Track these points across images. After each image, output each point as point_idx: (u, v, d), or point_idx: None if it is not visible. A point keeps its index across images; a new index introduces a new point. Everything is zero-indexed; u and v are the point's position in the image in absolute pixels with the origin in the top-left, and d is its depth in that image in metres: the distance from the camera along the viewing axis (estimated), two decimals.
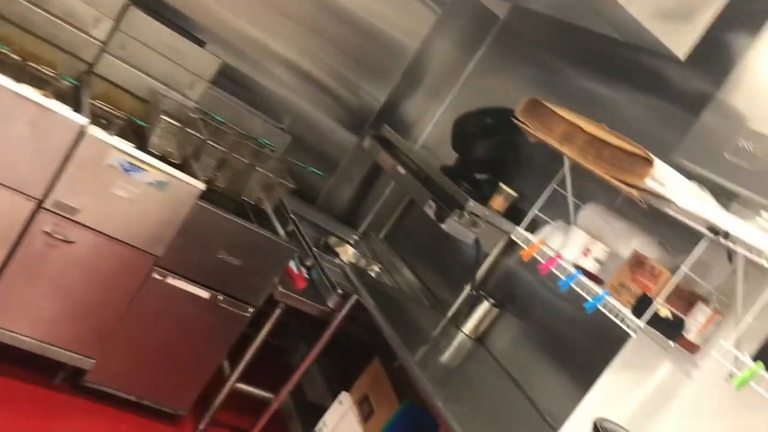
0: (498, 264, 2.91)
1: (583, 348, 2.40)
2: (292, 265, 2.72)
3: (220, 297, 2.51)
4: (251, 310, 2.57)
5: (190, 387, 2.61)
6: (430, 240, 3.37)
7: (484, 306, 2.77)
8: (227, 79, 3.10)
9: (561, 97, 2.84)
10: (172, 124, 2.45)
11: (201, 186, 2.34)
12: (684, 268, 1.95)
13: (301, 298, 2.54)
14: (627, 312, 2.01)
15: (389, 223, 3.66)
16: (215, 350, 2.59)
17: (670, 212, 1.96)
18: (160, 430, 2.64)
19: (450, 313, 2.92)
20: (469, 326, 2.79)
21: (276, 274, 2.54)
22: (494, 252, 2.90)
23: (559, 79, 3.10)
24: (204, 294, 2.49)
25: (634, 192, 1.92)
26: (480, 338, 2.78)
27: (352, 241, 3.57)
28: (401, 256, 3.45)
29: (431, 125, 3.71)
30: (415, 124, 3.73)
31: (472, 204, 2.56)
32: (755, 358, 1.73)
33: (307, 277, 2.72)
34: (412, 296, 3.09)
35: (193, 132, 2.49)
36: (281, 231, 2.65)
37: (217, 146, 2.59)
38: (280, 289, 2.51)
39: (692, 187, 1.99)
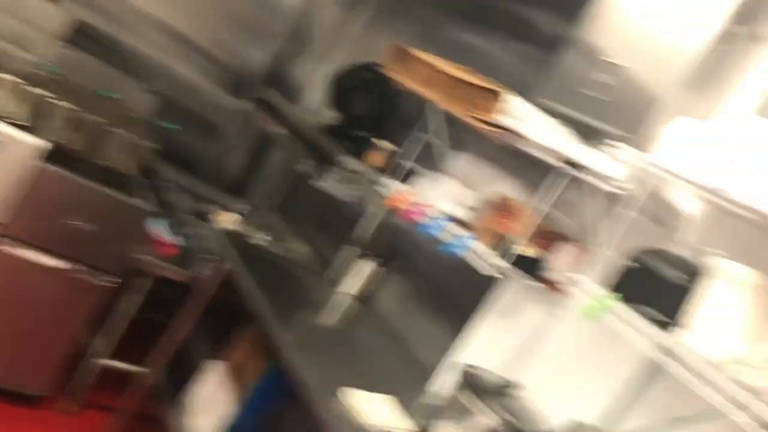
0: (383, 222, 2.82)
1: (462, 297, 2.35)
2: (163, 232, 2.56)
3: (74, 266, 2.34)
4: (107, 278, 2.40)
5: (50, 366, 2.43)
6: (320, 207, 3.26)
7: (369, 265, 2.68)
8: (88, 38, 2.88)
9: (443, 51, 2.76)
10: (12, 82, 2.25)
11: (41, 145, 2.16)
12: (540, 204, 1.92)
13: (165, 265, 2.40)
14: (492, 255, 1.97)
15: (281, 192, 3.53)
16: (73, 324, 2.40)
17: (526, 149, 1.92)
18: (19, 413, 2.45)
19: (336, 277, 2.82)
20: (354, 287, 2.69)
21: (134, 239, 2.38)
22: (378, 209, 2.81)
23: (441, 33, 3.03)
24: (56, 263, 2.31)
25: (486, 127, 1.86)
26: (366, 298, 2.69)
27: (245, 211, 3.42)
28: (293, 224, 3.33)
29: (319, 87, 3.59)
30: (304, 87, 3.60)
31: (345, 160, 2.48)
32: (615, 291, 1.70)
33: (178, 244, 2.57)
34: (300, 263, 2.98)
35: (35, 90, 2.29)
36: (141, 195, 2.48)
37: (66, 105, 2.39)
38: (136, 255, 2.36)
39: (550, 123, 1.95)
